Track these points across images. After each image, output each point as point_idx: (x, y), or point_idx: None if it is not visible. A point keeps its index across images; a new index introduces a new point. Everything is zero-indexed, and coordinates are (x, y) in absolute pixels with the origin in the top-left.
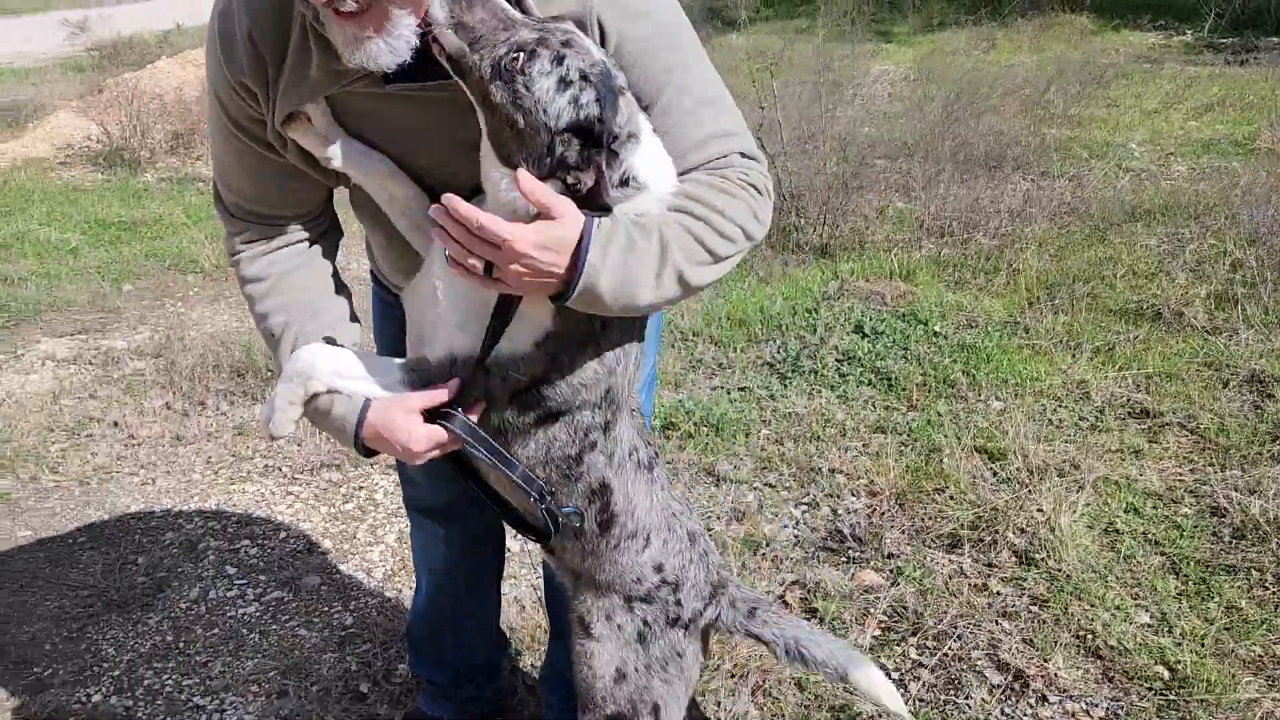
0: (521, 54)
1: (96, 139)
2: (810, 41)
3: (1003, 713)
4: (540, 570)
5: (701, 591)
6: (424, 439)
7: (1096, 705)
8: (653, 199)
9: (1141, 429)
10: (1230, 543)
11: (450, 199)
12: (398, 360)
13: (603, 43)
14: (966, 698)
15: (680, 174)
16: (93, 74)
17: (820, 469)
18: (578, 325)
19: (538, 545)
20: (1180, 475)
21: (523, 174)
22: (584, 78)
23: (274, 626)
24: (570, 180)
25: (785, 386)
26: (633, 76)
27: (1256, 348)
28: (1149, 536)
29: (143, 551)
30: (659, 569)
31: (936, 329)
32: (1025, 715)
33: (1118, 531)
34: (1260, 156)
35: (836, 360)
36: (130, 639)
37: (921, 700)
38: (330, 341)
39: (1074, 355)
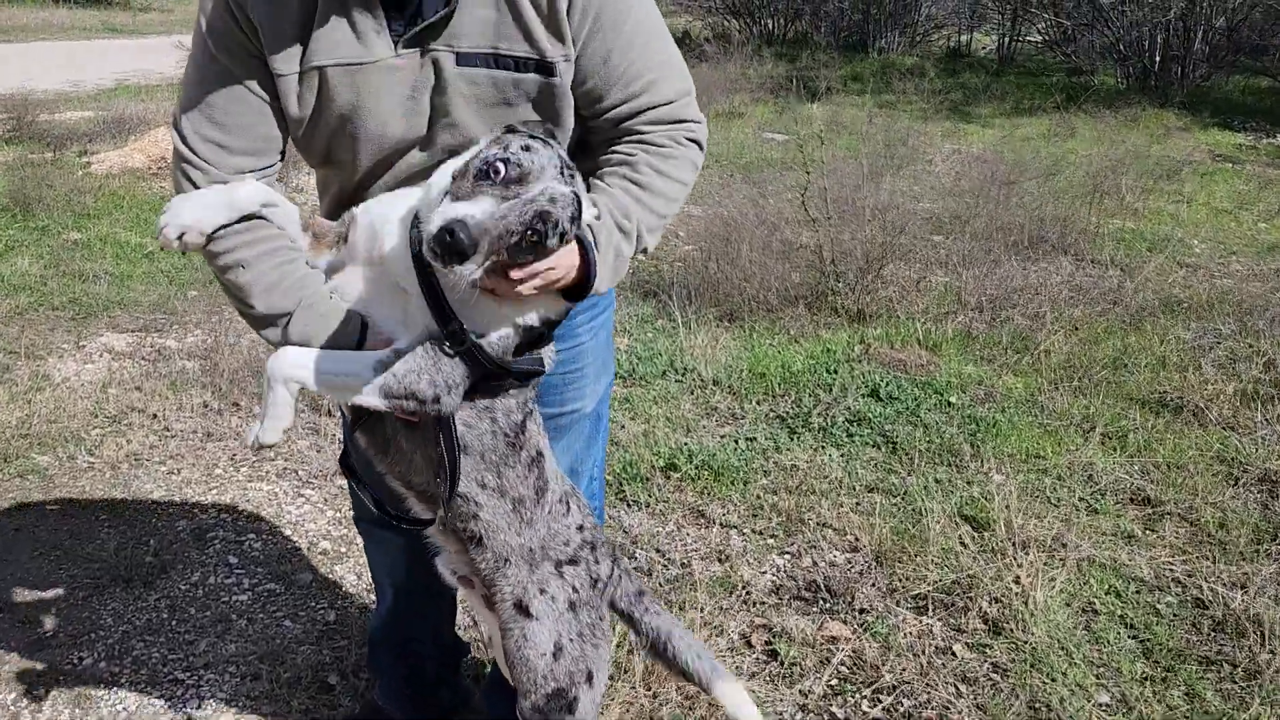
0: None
1: None
2: (893, 117)
3: None
4: None
5: (608, 552)
6: None
7: None
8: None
9: (1139, 516)
10: (1208, 635)
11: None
12: (372, 355)
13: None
14: None
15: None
16: None
17: (809, 521)
18: None
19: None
20: (1170, 565)
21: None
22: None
23: (261, 616)
24: None
25: (792, 441)
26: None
27: (1275, 448)
28: (1125, 619)
29: (156, 534)
30: (580, 529)
31: (951, 400)
32: None
33: (1095, 611)
34: None
35: (846, 420)
36: (129, 612)
37: None
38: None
39: (1085, 438)
